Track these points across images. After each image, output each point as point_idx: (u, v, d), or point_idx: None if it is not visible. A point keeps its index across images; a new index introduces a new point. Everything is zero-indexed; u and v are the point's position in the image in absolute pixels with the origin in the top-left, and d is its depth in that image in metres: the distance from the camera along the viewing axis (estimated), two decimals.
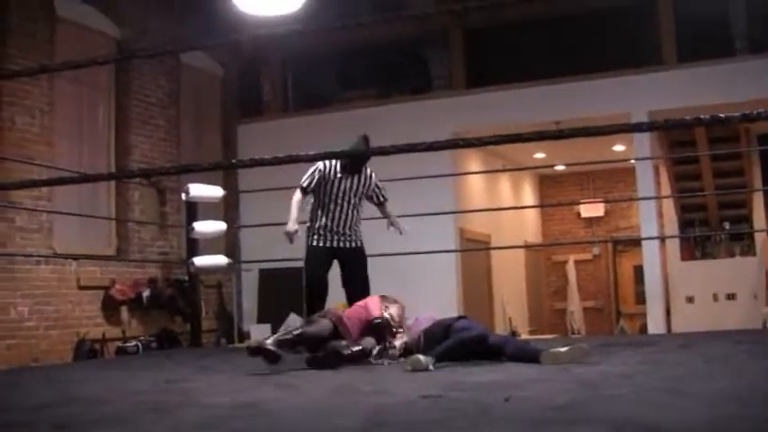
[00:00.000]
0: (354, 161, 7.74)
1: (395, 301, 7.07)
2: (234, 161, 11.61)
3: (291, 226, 7.64)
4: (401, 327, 6.89)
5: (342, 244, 7.78)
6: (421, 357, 5.84)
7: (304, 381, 5.51)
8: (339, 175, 7.71)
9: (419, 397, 4.33)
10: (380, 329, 6.81)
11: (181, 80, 12.94)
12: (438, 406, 4.09)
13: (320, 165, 7.73)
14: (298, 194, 7.75)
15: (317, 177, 7.69)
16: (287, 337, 6.50)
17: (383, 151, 4.29)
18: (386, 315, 6.82)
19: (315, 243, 7.76)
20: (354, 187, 7.78)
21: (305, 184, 7.72)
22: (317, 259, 7.77)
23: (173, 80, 12.72)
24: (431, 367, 5.76)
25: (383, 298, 7.06)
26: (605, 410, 3.68)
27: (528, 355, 6.00)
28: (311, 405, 4.40)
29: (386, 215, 8.09)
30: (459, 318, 6.82)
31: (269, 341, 6.38)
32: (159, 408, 4.35)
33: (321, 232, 7.75)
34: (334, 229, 7.76)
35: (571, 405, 3.88)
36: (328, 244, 7.75)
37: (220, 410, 4.17)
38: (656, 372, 5.41)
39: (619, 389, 4.50)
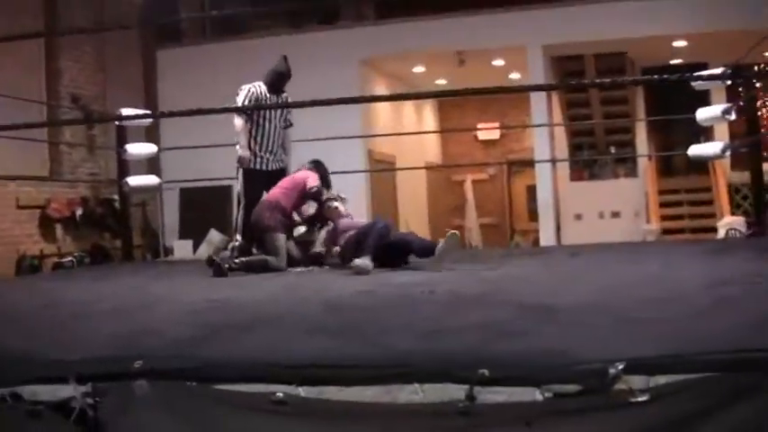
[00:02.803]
0: (279, 81, 8.18)
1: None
2: (159, 112, 12.27)
3: (245, 152, 8.00)
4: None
5: (274, 165, 8.16)
6: (360, 262, 6.75)
7: (251, 283, 6.44)
8: (268, 95, 8.11)
9: (356, 291, 5.33)
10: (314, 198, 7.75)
11: (103, 6, 13.49)
12: (375, 297, 5.11)
13: (249, 87, 8.13)
14: (239, 119, 8.05)
15: (252, 99, 8.05)
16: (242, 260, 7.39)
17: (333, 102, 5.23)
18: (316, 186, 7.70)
19: (254, 167, 8.09)
20: (280, 108, 8.22)
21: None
22: (258, 183, 8.04)
23: (96, 6, 13.29)
24: (371, 269, 6.70)
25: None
26: (509, 297, 4.72)
27: (427, 246, 7.05)
28: (273, 298, 5.37)
29: (285, 139, 8.34)
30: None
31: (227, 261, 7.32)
32: (145, 304, 5.25)
33: (259, 154, 8.10)
34: (269, 149, 8.13)
35: (482, 294, 4.93)
36: (266, 167, 8.12)
37: (199, 305, 5.05)
38: (549, 271, 6.52)
39: (519, 283, 5.60)
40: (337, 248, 7.59)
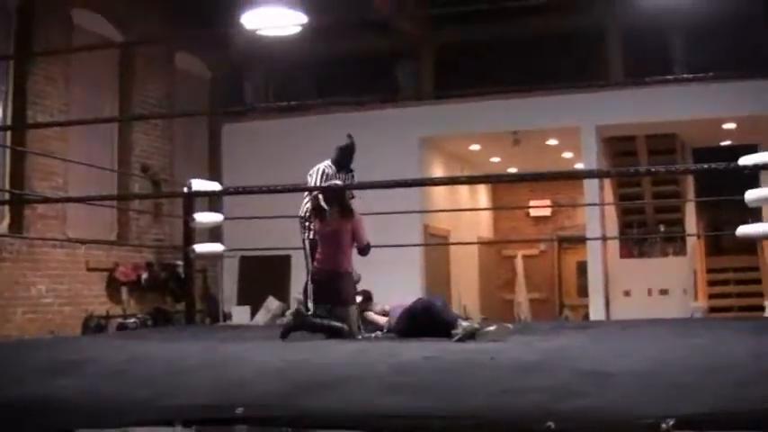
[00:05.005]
0: (346, 159, 8.59)
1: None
2: (230, 188, 12.79)
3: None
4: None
5: None
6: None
7: (320, 348, 6.81)
8: (338, 173, 8.54)
9: (422, 357, 5.69)
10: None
11: (174, 82, 14.20)
12: (441, 362, 5.46)
13: (319, 166, 8.56)
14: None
15: (326, 178, 8.43)
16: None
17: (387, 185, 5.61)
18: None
19: None
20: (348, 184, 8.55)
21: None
22: None
23: (167, 83, 13.99)
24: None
25: None
26: (566, 364, 5.06)
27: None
28: (346, 361, 5.73)
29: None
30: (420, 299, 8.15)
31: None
32: (228, 362, 5.64)
33: None
34: None
35: (540, 361, 5.27)
36: None
37: (279, 364, 5.42)
38: (601, 342, 6.85)
39: (573, 352, 5.94)
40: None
